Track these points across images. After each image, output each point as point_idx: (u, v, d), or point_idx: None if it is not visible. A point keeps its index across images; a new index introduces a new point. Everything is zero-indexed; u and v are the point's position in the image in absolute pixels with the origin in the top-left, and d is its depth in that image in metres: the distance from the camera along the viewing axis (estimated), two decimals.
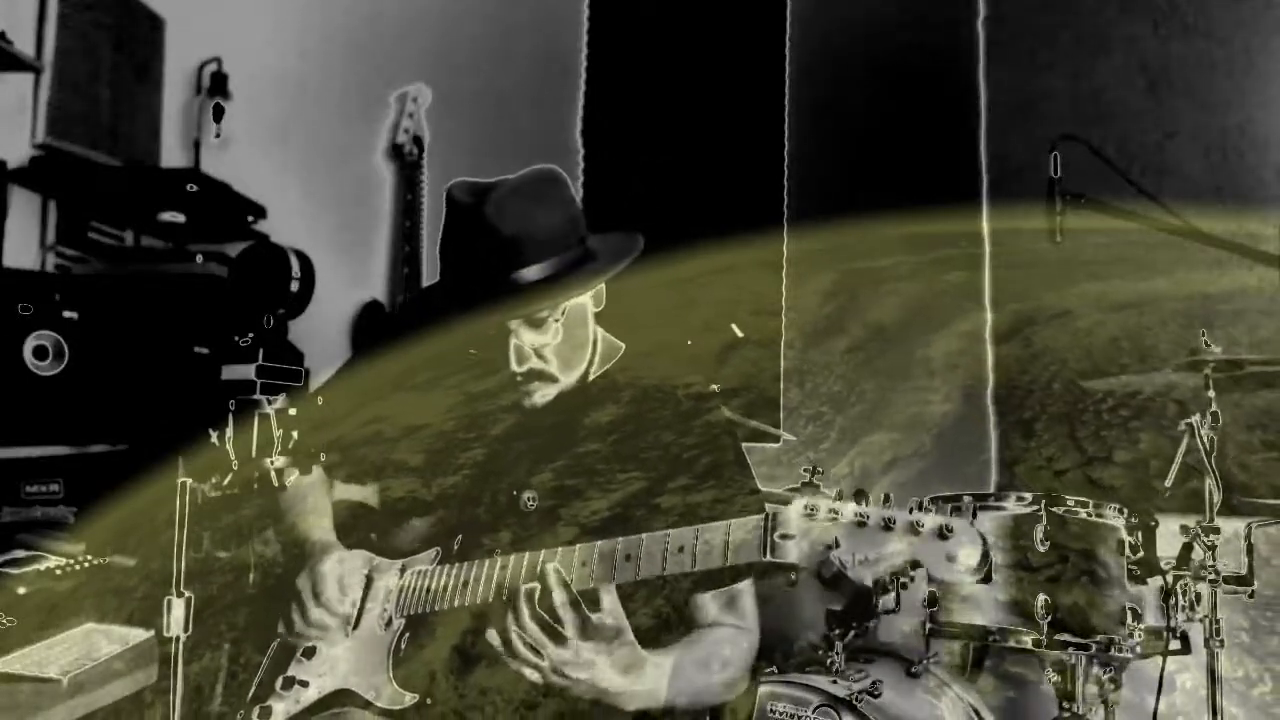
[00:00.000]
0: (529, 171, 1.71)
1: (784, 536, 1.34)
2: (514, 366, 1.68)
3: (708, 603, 1.69)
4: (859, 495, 1.33)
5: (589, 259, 1.72)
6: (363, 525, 1.84)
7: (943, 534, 1.27)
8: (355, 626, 1.66)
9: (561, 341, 1.71)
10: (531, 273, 1.64)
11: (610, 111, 3.75)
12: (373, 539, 1.79)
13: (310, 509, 1.82)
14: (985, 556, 1.27)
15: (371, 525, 1.84)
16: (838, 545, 1.29)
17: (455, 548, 1.68)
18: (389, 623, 1.65)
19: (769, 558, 1.35)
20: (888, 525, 1.29)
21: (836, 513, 1.32)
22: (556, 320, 1.69)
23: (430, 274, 3.65)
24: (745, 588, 1.71)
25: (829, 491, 1.39)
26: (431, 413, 1.83)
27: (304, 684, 1.63)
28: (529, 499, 1.69)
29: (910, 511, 1.30)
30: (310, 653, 1.67)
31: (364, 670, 1.63)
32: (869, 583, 1.28)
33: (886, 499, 1.32)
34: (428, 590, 1.63)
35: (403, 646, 1.64)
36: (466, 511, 1.74)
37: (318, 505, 1.83)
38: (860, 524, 1.30)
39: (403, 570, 1.69)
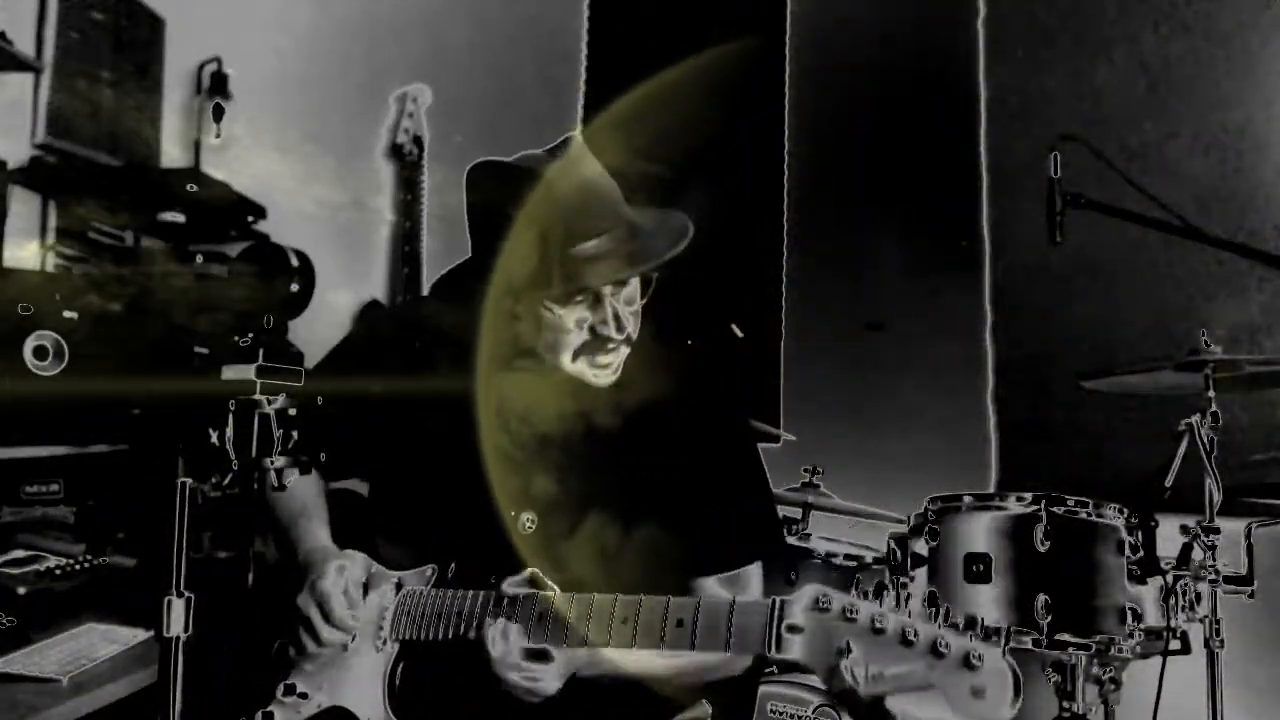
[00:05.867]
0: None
1: (791, 629, 1.23)
2: (613, 334, 1.58)
3: (711, 586, 1.64)
4: (879, 589, 1.22)
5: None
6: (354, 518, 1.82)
7: (969, 663, 1.13)
8: (353, 639, 1.63)
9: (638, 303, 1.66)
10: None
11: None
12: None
13: (301, 511, 1.76)
14: (1018, 695, 1.11)
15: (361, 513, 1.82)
16: (849, 651, 1.16)
17: (450, 574, 1.64)
18: (384, 644, 1.62)
19: (772, 653, 1.24)
20: (907, 639, 1.15)
21: (853, 612, 1.19)
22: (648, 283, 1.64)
23: (430, 275, 3.66)
24: (754, 570, 1.66)
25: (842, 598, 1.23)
26: (406, 382, 1.79)
27: (304, 696, 1.61)
28: (527, 520, 1.67)
29: (935, 622, 1.16)
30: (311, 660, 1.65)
31: (360, 691, 1.60)
32: (881, 696, 1.15)
33: (905, 599, 1.21)
34: (422, 615, 1.59)
35: (398, 674, 1.60)
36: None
37: (310, 507, 1.78)
38: (877, 631, 1.16)
39: (398, 587, 1.65)
